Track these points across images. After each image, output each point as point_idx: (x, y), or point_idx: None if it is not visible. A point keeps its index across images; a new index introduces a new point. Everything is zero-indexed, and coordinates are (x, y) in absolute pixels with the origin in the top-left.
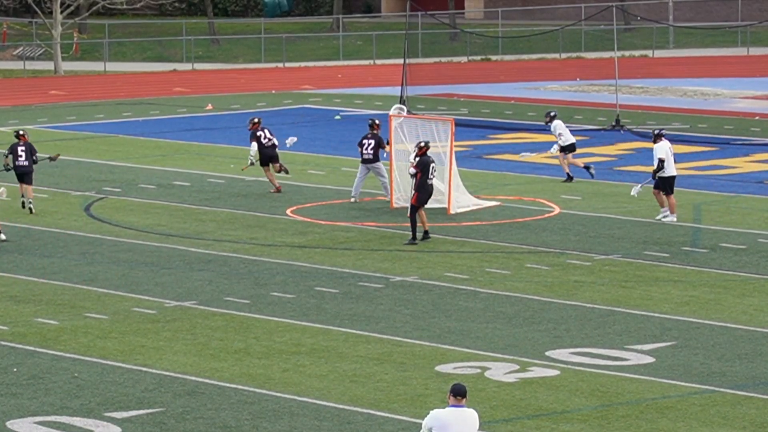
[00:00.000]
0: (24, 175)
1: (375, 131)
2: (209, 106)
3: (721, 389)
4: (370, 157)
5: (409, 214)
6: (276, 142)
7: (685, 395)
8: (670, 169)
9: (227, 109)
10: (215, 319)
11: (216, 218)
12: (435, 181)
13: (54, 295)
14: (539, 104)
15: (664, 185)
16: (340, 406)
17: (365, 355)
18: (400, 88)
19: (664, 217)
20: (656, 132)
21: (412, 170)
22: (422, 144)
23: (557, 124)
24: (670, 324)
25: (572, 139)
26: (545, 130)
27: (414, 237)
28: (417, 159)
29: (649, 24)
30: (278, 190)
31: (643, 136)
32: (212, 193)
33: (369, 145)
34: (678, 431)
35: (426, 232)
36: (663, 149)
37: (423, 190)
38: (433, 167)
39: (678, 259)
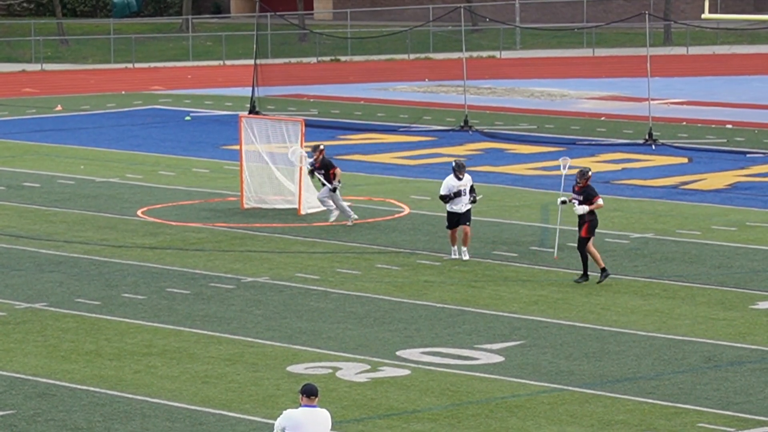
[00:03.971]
0: None
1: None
2: (58, 107)
3: (569, 388)
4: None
5: (578, 248)
6: None
7: (534, 394)
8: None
9: (77, 110)
10: (66, 321)
11: (66, 219)
12: (285, 182)
13: None
14: (388, 105)
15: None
16: (192, 407)
17: (217, 356)
18: (250, 88)
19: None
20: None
21: (581, 209)
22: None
23: None
24: (519, 323)
25: None
26: (393, 130)
27: (585, 274)
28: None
29: (496, 25)
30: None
31: (492, 137)
32: (62, 194)
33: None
34: (527, 430)
35: (603, 270)
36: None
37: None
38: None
39: (526, 258)
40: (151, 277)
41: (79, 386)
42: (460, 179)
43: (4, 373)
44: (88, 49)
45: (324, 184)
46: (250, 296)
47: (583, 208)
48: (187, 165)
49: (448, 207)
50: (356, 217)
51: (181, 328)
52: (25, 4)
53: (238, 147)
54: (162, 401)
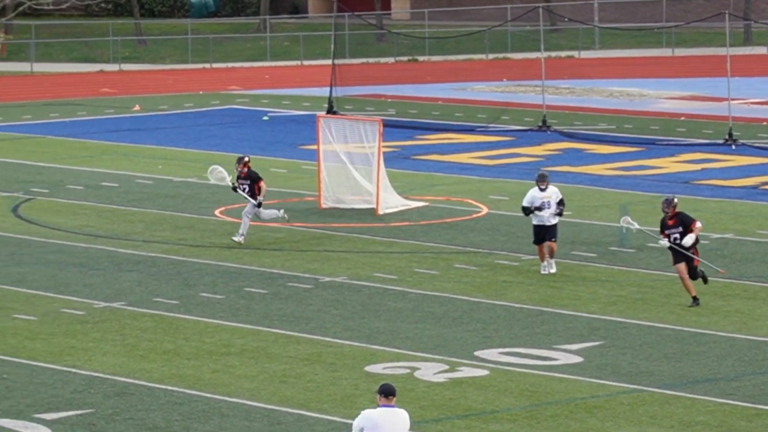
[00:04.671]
0: None
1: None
2: (136, 107)
3: (649, 388)
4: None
5: (692, 277)
6: None
7: (614, 394)
8: None
9: (155, 110)
10: (144, 320)
11: (144, 219)
12: (363, 182)
13: None
14: (466, 105)
15: None
16: (271, 407)
17: (295, 356)
18: (327, 88)
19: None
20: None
21: (689, 239)
22: None
23: None
24: (598, 324)
25: None
26: (471, 130)
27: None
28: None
29: (575, 25)
30: None
31: (570, 137)
32: (140, 194)
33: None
34: (607, 430)
35: (694, 298)
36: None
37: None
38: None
39: (605, 259)
40: (229, 277)
41: (157, 385)
42: (543, 190)
43: (83, 371)
44: (166, 49)
45: (248, 199)
46: (327, 296)
47: (691, 238)
48: (264, 165)
49: (534, 220)
50: (286, 216)
51: (259, 328)
52: (103, 5)
53: (315, 147)
54: (240, 400)
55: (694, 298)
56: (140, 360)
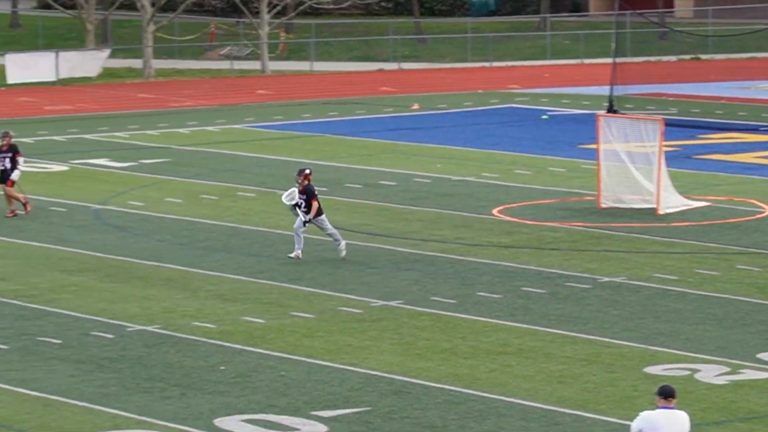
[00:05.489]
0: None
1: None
2: (415, 106)
3: None
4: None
5: None
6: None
7: None
8: None
9: (433, 108)
10: (421, 319)
11: (422, 218)
12: (643, 181)
13: (261, 293)
14: (751, 104)
15: None
16: (548, 407)
17: (573, 356)
18: (607, 87)
19: None
20: None
21: None
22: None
23: None
24: None
25: None
26: (755, 129)
27: None
28: None
29: None
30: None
31: None
32: (418, 192)
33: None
34: None
35: None
36: None
37: None
38: None
39: None
40: (506, 276)
41: (433, 384)
42: None
43: (360, 369)
44: (445, 47)
45: (297, 213)
46: (606, 296)
47: None
48: (543, 164)
49: None
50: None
51: (537, 328)
52: (383, 4)
53: (595, 146)
54: (517, 400)
55: None
56: (417, 359)
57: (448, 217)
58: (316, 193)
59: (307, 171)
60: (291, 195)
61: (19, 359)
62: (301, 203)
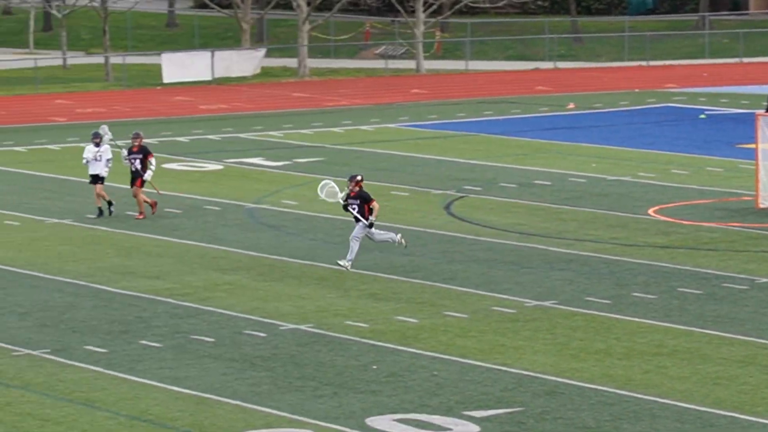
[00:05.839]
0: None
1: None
2: (571, 105)
3: None
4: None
5: None
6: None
7: None
8: None
9: (589, 107)
10: (575, 319)
11: (577, 217)
12: None
13: (414, 293)
14: None
15: None
16: (703, 409)
17: (729, 358)
18: (767, 86)
19: None
20: None
21: None
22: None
23: None
24: None
25: None
26: None
27: None
28: None
29: None
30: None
31: None
32: (573, 192)
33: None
34: None
35: None
36: None
37: None
38: None
39: None
40: (662, 277)
41: (587, 385)
42: None
43: (513, 370)
44: (602, 46)
45: (358, 220)
46: (764, 297)
47: None
48: (700, 164)
49: None
50: (404, 242)
51: (692, 329)
52: (539, 2)
53: (754, 146)
54: (671, 402)
55: None
56: (571, 359)
57: (603, 217)
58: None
59: (359, 177)
60: (330, 190)
61: (173, 357)
62: (355, 207)
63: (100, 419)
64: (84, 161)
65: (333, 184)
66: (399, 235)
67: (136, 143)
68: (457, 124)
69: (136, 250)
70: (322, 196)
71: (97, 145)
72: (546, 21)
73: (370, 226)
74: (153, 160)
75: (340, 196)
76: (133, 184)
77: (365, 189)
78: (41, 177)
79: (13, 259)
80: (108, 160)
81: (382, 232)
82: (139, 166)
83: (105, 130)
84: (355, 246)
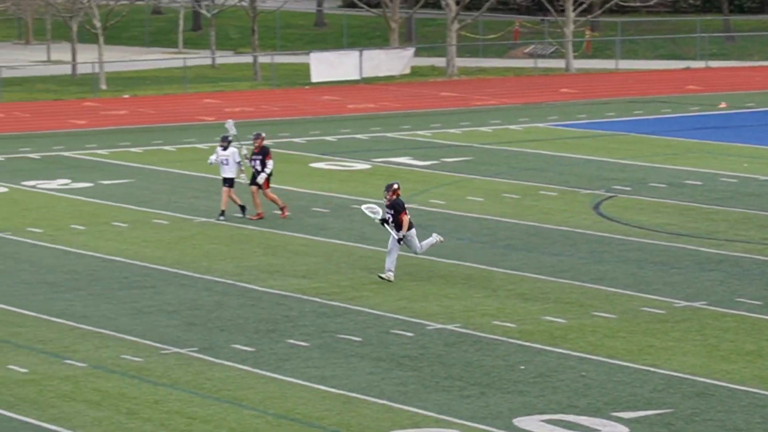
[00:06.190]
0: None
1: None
2: (722, 105)
3: None
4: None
5: None
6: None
7: None
8: None
9: (741, 107)
10: (726, 320)
11: (728, 218)
12: None
13: (562, 293)
14: None
15: None
16: None
17: None
18: None
19: None
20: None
21: None
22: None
23: None
24: None
25: None
26: None
27: None
28: None
29: None
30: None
31: None
32: (724, 192)
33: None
34: None
35: None
36: None
37: None
38: None
39: None
40: None
41: (738, 387)
42: None
43: (662, 371)
44: (755, 45)
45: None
46: None
47: None
48: None
49: None
50: (441, 238)
51: None
52: (691, 1)
53: None
54: None
55: None
56: (721, 361)
57: (755, 218)
58: (405, 206)
59: (396, 186)
60: (372, 209)
61: (320, 356)
62: (389, 218)
63: (247, 418)
64: (209, 162)
65: (376, 206)
66: (436, 235)
67: (257, 144)
68: (607, 123)
69: (283, 248)
70: (369, 214)
71: (225, 148)
72: (698, 20)
73: (399, 241)
74: (270, 162)
75: (383, 212)
76: (252, 183)
77: (401, 198)
78: (189, 176)
79: (162, 258)
80: (238, 162)
81: (423, 244)
82: (259, 168)
83: (230, 125)
84: (392, 255)
